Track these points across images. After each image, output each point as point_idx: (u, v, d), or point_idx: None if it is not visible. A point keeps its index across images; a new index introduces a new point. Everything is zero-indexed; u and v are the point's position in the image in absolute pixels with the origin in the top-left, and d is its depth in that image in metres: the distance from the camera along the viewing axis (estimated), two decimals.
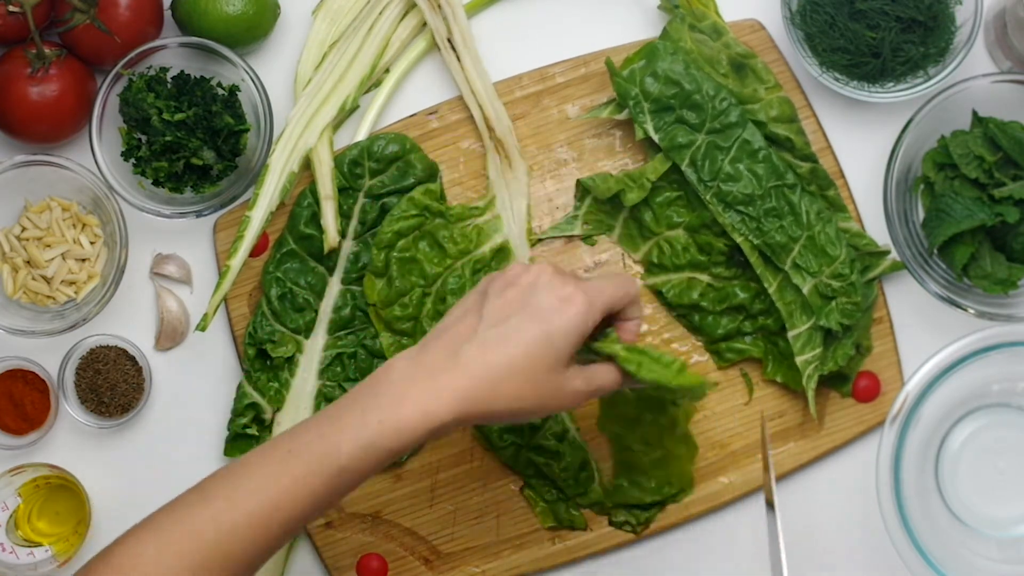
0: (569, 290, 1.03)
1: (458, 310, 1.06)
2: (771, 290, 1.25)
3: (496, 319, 1.03)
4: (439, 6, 1.29)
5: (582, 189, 1.29)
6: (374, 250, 1.27)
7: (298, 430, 1.04)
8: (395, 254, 1.27)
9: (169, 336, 1.31)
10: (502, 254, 1.28)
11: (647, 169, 1.26)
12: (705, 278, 1.27)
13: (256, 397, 1.28)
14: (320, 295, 1.29)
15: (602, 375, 1.07)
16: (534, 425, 1.27)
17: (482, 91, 1.28)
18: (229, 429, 1.28)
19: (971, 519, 1.26)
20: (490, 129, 1.28)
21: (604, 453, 1.28)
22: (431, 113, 1.30)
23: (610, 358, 1.08)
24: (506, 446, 1.27)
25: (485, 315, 1.03)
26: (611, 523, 1.27)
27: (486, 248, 1.28)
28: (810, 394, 1.25)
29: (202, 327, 1.28)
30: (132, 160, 1.29)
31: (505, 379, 1.01)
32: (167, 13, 1.30)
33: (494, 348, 1.02)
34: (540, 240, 1.30)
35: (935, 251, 1.26)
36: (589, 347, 1.09)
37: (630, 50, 1.29)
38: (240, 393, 1.29)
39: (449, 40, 1.29)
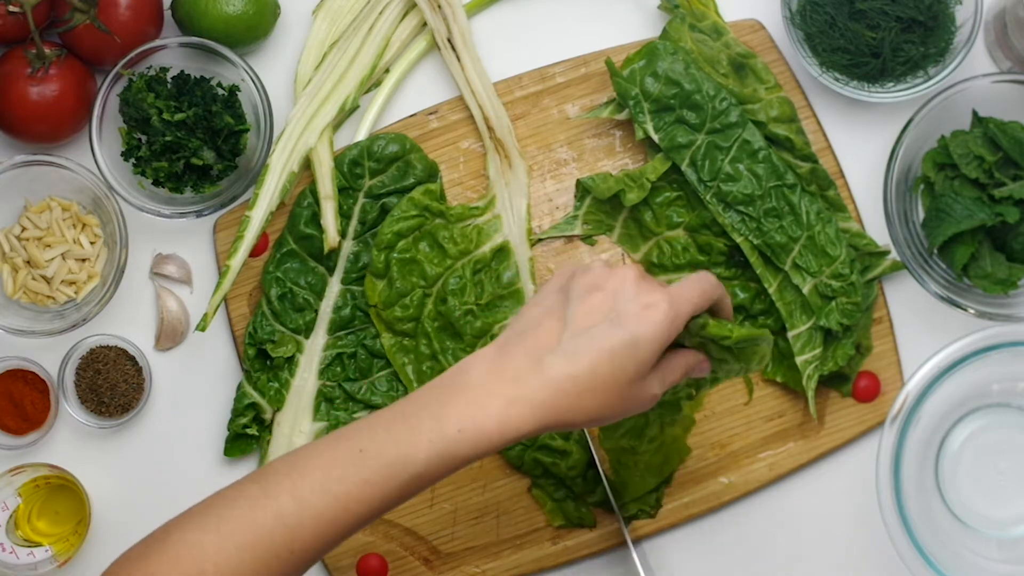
0: (655, 297, 0.99)
1: (537, 309, 1.02)
2: (771, 290, 1.25)
3: (581, 327, 0.99)
4: (439, 6, 1.29)
5: (582, 189, 1.29)
6: (374, 251, 1.27)
7: (371, 428, 0.99)
8: (395, 255, 1.27)
9: (169, 336, 1.31)
10: (502, 254, 1.28)
11: (647, 169, 1.26)
12: None
13: (256, 397, 1.28)
14: (320, 295, 1.29)
15: (675, 370, 1.04)
16: None
17: (482, 91, 1.29)
18: (229, 429, 1.28)
19: (971, 519, 1.26)
20: (490, 129, 1.28)
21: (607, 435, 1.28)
22: (431, 113, 1.31)
23: (680, 346, 1.05)
24: (512, 446, 1.27)
25: (569, 322, 0.99)
26: (626, 519, 1.27)
27: (486, 248, 1.28)
28: (810, 394, 1.25)
29: (202, 327, 1.28)
30: (132, 160, 1.29)
31: (589, 390, 0.98)
32: (167, 13, 1.30)
33: (579, 359, 0.98)
34: (540, 240, 1.30)
35: (935, 251, 1.26)
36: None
37: (630, 50, 1.29)
38: (240, 393, 1.29)
39: (449, 40, 1.29)
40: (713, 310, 1.06)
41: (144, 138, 1.29)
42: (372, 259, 1.27)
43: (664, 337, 0.99)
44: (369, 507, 0.98)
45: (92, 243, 1.31)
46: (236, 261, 1.28)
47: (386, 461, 0.97)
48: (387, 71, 1.31)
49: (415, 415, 0.98)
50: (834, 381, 1.27)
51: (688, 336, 1.04)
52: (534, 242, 1.29)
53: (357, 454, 0.98)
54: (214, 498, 0.99)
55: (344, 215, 1.29)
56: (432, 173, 1.29)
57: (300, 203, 1.29)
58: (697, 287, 1.02)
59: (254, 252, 1.29)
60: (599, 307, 0.99)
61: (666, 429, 1.22)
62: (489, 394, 0.98)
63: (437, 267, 1.27)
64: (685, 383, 1.12)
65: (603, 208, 1.29)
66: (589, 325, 0.99)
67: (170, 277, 1.32)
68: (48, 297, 1.30)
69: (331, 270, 1.29)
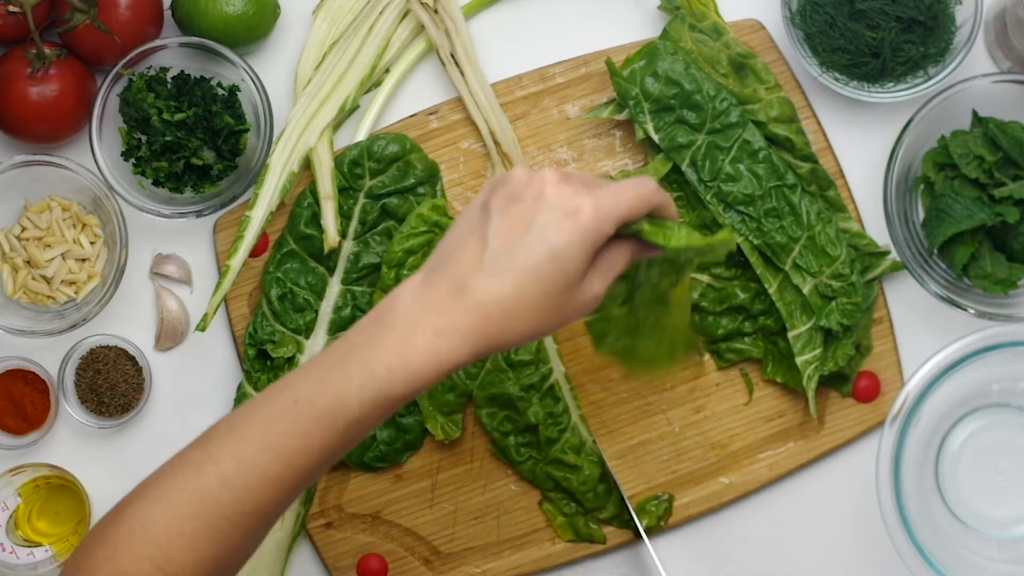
0: (578, 202, 0.94)
1: (460, 230, 0.97)
2: (771, 290, 1.25)
3: (502, 245, 0.94)
4: (438, 16, 1.28)
5: None
6: (384, 268, 1.26)
7: (305, 376, 0.97)
8: (405, 272, 1.26)
9: (169, 336, 1.31)
10: None
11: (647, 171, 1.26)
12: (705, 278, 1.27)
13: None
14: (320, 295, 1.29)
15: (615, 261, 0.98)
16: (551, 439, 1.26)
17: (486, 105, 1.28)
18: None
19: (971, 519, 1.26)
20: (496, 143, 1.28)
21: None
22: (431, 113, 1.30)
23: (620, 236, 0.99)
24: (523, 460, 1.27)
25: (490, 241, 0.95)
26: (646, 529, 1.27)
27: None
28: (810, 394, 1.25)
29: (202, 327, 1.28)
30: (132, 160, 1.29)
31: (518, 309, 0.94)
32: (167, 13, 1.30)
33: (503, 280, 0.94)
34: None
35: (935, 251, 1.26)
36: None
37: (630, 50, 1.29)
38: (240, 393, 1.29)
39: (452, 55, 1.29)
40: (653, 214, 1.00)
41: (144, 138, 1.29)
42: (382, 276, 1.26)
43: (590, 244, 0.94)
44: (312, 458, 0.96)
45: (92, 243, 1.31)
46: (236, 261, 1.28)
47: (321, 411, 0.95)
48: (387, 71, 1.31)
49: (346, 358, 0.96)
50: (834, 381, 1.27)
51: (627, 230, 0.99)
52: None
53: (292, 406, 0.96)
54: (162, 468, 0.98)
55: (344, 215, 1.28)
56: (432, 173, 1.29)
57: (300, 203, 1.29)
58: (631, 190, 0.97)
59: (254, 252, 1.29)
60: (519, 220, 0.95)
61: (662, 321, 1.12)
62: (416, 329, 0.94)
63: None
64: (660, 271, 1.05)
65: None
66: (510, 241, 0.94)
67: (170, 277, 1.32)
68: (48, 297, 1.30)
69: (331, 270, 1.29)
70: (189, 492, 0.96)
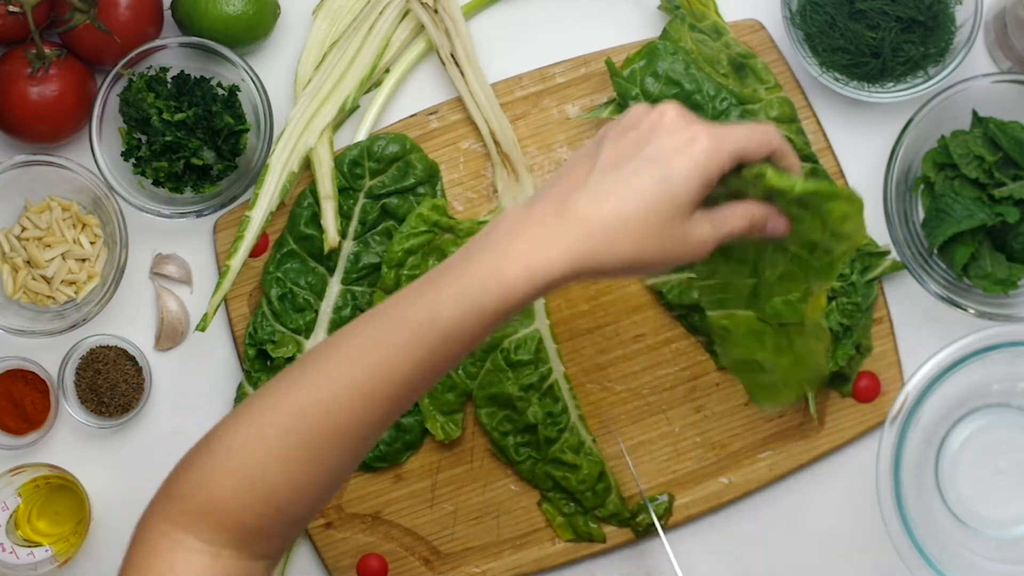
0: (693, 131, 0.92)
1: (574, 159, 0.96)
2: None
3: (611, 165, 0.93)
4: (438, 16, 1.28)
5: None
6: (384, 268, 1.26)
7: (403, 295, 0.95)
8: (405, 272, 1.26)
9: (169, 336, 1.31)
10: None
11: None
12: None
13: None
14: (320, 295, 1.29)
15: (733, 217, 0.96)
16: (550, 438, 1.26)
17: (487, 106, 1.28)
18: None
19: (971, 519, 1.26)
20: (496, 144, 1.28)
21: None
22: (431, 113, 1.30)
23: (740, 196, 0.97)
24: (523, 460, 1.27)
25: (600, 161, 0.93)
26: (638, 533, 1.27)
27: None
28: (810, 394, 1.25)
29: (202, 327, 1.28)
30: (132, 160, 1.29)
31: (620, 230, 0.91)
32: (167, 13, 1.30)
33: (607, 196, 0.92)
34: None
35: (935, 251, 1.26)
36: (726, 181, 0.97)
37: (630, 50, 1.29)
38: (240, 393, 1.29)
39: (452, 55, 1.29)
40: (773, 161, 0.97)
41: (144, 138, 1.29)
42: (382, 276, 1.26)
43: (702, 173, 0.92)
44: (406, 372, 0.93)
45: (92, 243, 1.31)
46: (236, 261, 1.28)
47: (415, 324, 0.92)
48: (387, 71, 1.31)
49: (442, 276, 0.94)
50: (834, 381, 1.27)
51: (750, 187, 0.96)
52: None
53: (387, 322, 0.94)
54: (257, 392, 0.97)
55: (344, 215, 1.28)
56: (432, 173, 1.29)
57: (300, 203, 1.29)
58: (748, 129, 0.95)
59: (254, 252, 1.29)
60: (632, 145, 0.93)
61: (795, 340, 1.06)
62: (513, 241, 0.92)
63: None
64: (783, 275, 1.01)
65: None
66: (620, 161, 0.93)
67: (170, 277, 1.32)
68: (48, 297, 1.30)
69: (331, 270, 1.29)
70: (283, 412, 0.94)
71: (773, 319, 1.05)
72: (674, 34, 1.27)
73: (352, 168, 1.28)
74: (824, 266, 1.00)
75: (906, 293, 1.29)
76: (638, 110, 0.96)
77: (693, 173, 0.92)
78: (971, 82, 1.23)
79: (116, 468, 1.31)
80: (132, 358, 1.29)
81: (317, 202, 1.28)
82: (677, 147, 0.92)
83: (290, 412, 0.94)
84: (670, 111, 0.94)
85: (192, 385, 1.31)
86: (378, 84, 1.31)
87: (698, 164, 0.92)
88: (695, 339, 1.29)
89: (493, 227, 0.94)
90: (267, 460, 0.93)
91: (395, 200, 1.28)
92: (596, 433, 1.28)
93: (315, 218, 1.28)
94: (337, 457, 0.94)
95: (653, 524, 1.27)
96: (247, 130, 1.29)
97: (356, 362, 0.93)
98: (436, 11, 1.29)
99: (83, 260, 1.30)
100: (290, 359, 1.28)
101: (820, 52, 1.26)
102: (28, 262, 1.30)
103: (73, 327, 1.27)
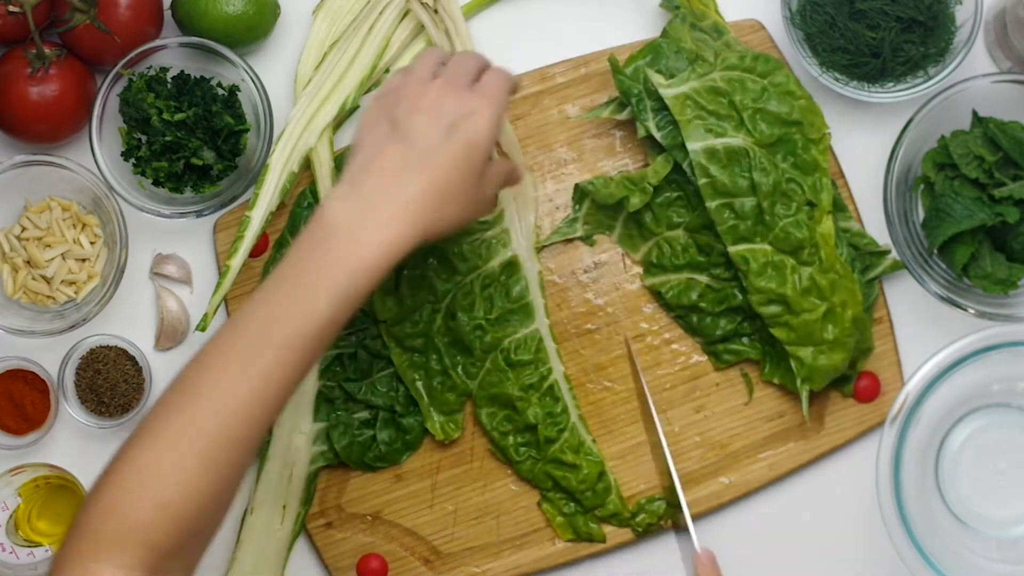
0: (475, 103, 1.09)
1: (370, 144, 1.09)
2: None
3: (424, 144, 1.08)
4: (438, 16, 1.28)
5: (579, 192, 1.28)
6: None
7: (261, 303, 1.05)
8: (405, 272, 1.26)
9: (169, 336, 1.31)
10: (511, 268, 1.28)
11: (648, 173, 1.26)
12: (704, 279, 1.27)
13: None
14: None
15: (496, 176, 1.14)
16: (550, 438, 1.26)
17: None
18: None
19: (971, 519, 1.26)
20: (497, 144, 1.28)
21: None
22: None
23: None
24: (523, 460, 1.27)
25: (412, 142, 1.08)
26: (644, 529, 1.27)
27: (495, 263, 1.27)
28: (804, 395, 1.24)
29: (202, 327, 1.28)
30: (132, 160, 1.29)
31: (447, 197, 1.08)
32: (167, 13, 1.30)
33: (433, 172, 1.07)
34: (544, 247, 1.29)
35: (935, 251, 1.26)
36: None
37: (630, 50, 1.29)
38: None
39: None
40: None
41: (144, 138, 1.29)
42: None
43: (492, 136, 1.10)
44: (291, 370, 1.03)
45: (92, 243, 1.31)
46: (236, 261, 1.28)
47: (293, 326, 1.03)
48: (387, 71, 1.31)
49: (302, 274, 1.04)
50: (834, 381, 1.27)
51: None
52: (539, 249, 1.29)
53: (264, 328, 1.03)
54: (147, 417, 1.03)
55: None
56: None
57: (300, 203, 1.29)
58: (504, 81, 1.13)
59: (254, 252, 1.29)
60: (431, 124, 1.09)
61: (817, 279, 1.21)
62: (361, 228, 1.05)
63: (446, 283, 1.27)
64: (776, 185, 1.13)
65: (603, 209, 1.29)
66: (431, 141, 1.08)
67: (170, 277, 1.32)
68: (48, 297, 1.30)
69: None
70: (183, 429, 1.01)
71: (785, 245, 1.16)
72: (674, 34, 1.27)
73: None
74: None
75: (906, 293, 1.29)
76: (412, 90, 1.11)
77: (488, 137, 1.09)
78: (971, 82, 1.23)
79: None
80: (132, 358, 1.29)
81: (317, 202, 1.28)
82: (468, 120, 1.09)
83: (185, 428, 1.01)
84: (438, 89, 1.11)
85: None
86: (378, 84, 1.31)
87: (490, 129, 1.10)
88: (695, 339, 1.29)
89: (329, 217, 1.06)
90: (168, 477, 1.00)
91: None
92: (596, 433, 1.28)
93: None
94: (233, 467, 1.02)
95: (654, 525, 1.27)
96: (247, 130, 1.29)
97: (243, 373, 1.02)
98: (436, 11, 1.29)
99: (83, 260, 1.30)
100: None
101: (820, 52, 1.26)
102: (28, 262, 1.30)
103: (73, 327, 1.27)
